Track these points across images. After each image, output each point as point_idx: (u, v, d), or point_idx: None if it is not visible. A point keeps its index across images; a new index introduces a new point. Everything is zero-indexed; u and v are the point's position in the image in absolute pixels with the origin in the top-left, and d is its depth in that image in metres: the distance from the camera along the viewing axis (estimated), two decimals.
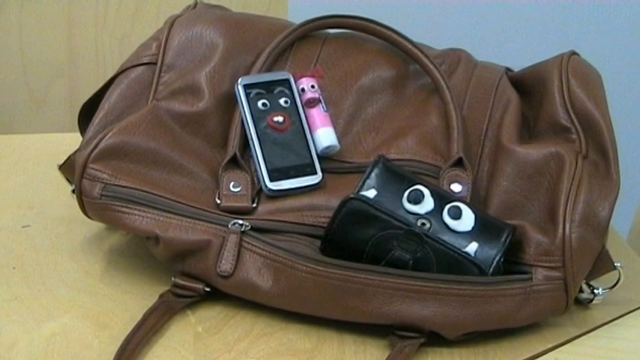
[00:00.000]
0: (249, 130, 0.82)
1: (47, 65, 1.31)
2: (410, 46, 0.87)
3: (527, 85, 0.88)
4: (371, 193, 0.77)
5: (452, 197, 0.78)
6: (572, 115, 0.83)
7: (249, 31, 0.88)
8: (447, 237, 0.75)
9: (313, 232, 0.78)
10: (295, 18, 0.92)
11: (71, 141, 0.88)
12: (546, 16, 1.60)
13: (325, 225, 0.77)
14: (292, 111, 0.84)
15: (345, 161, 0.84)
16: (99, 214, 0.79)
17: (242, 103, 0.82)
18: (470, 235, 0.76)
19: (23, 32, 1.29)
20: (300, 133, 0.83)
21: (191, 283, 0.78)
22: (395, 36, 0.88)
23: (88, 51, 1.31)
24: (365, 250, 0.75)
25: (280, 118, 0.82)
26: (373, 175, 0.78)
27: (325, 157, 0.83)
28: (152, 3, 1.29)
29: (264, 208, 0.80)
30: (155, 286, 0.80)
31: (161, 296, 0.78)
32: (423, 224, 0.76)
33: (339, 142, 0.84)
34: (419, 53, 0.87)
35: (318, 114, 0.84)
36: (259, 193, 0.81)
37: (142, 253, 0.84)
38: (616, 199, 0.79)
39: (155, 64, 0.85)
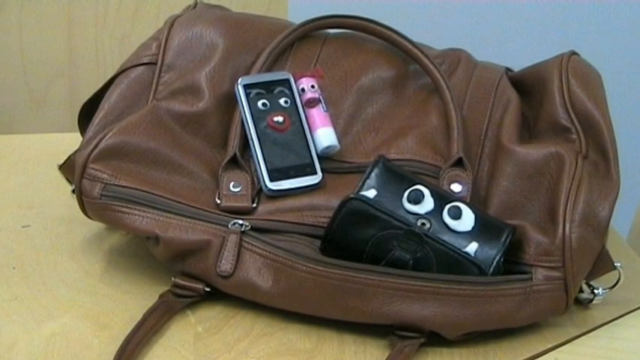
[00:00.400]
0: (249, 130, 0.82)
1: (47, 65, 1.31)
2: (410, 46, 0.87)
3: (528, 85, 0.88)
4: (371, 193, 0.77)
5: (452, 197, 0.78)
6: (572, 115, 0.83)
7: (249, 31, 0.88)
8: (447, 237, 0.75)
9: (313, 232, 0.78)
10: (295, 18, 0.92)
11: (71, 141, 0.88)
12: (546, 16, 1.59)
13: (325, 225, 0.77)
14: (292, 111, 0.84)
15: (345, 161, 0.84)
16: (99, 214, 0.79)
17: (242, 103, 0.82)
18: (470, 235, 0.76)
19: (23, 32, 1.29)
20: (300, 133, 0.83)
21: (191, 283, 0.78)
22: (395, 36, 0.88)
23: (88, 51, 1.31)
24: (365, 250, 0.75)
25: (280, 118, 0.82)
26: (373, 175, 0.78)
27: (325, 157, 0.83)
28: (152, 3, 1.29)
29: (264, 208, 0.80)
30: (155, 286, 0.80)
31: (161, 296, 0.78)
32: (423, 224, 0.76)
33: (339, 142, 0.84)
34: (419, 53, 0.87)
35: (318, 114, 0.84)
36: (259, 193, 0.81)
37: (142, 253, 0.84)
38: (616, 199, 0.79)
39: (155, 64, 0.85)
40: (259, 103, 0.83)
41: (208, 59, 0.85)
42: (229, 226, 0.77)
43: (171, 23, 0.88)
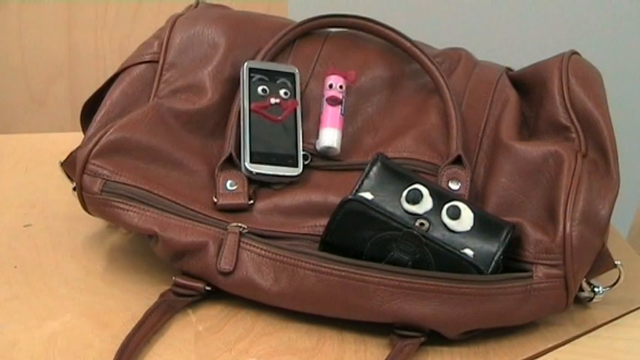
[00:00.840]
0: (244, 109, 0.82)
1: (47, 65, 1.31)
2: (410, 46, 0.87)
3: (528, 85, 0.88)
4: (369, 193, 0.77)
5: (451, 195, 0.77)
6: (572, 115, 0.83)
7: (251, 30, 0.88)
8: (445, 237, 0.75)
9: (311, 238, 0.78)
10: (295, 17, 0.92)
11: (72, 140, 0.88)
12: (546, 16, 1.60)
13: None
14: (290, 104, 0.84)
15: (343, 160, 0.84)
16: (99, 210, 0.80)
17: (243, 83, 0.83)
18: (469, 235, 0.75)
19: (23, 32, 1.29)
20: (291, 126, 0.83)
21: (192, 282, 0.78)
22: (395, 35, 0.88)
23: (88, 51, 1.31)
24: (364, 251, 0.75)
25: (277, 100, 0.83)
26: (372, 173, 0.78)
27: (324, 155, 0.83)
28: (152, 3, 1.29)
29: (261, 205, 0.80)
30: (156, 285, 0.80)
31: (162, 295, 0.78)
32: (422, 224, 0.76)
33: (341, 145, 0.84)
34: (419, 52, 0.87)
35: (334, 113, 0.84)
36: (256, 191, 0.81)
37: (143, 253, 0.84)
38: (616, 197, 0.79)
39: (157, 62, 0.86)
40: (259, 88, 0.83)
41: (210, 58, 0.85)
42: (228, 228, 0.77)
43: (173, 22, 0.88)
